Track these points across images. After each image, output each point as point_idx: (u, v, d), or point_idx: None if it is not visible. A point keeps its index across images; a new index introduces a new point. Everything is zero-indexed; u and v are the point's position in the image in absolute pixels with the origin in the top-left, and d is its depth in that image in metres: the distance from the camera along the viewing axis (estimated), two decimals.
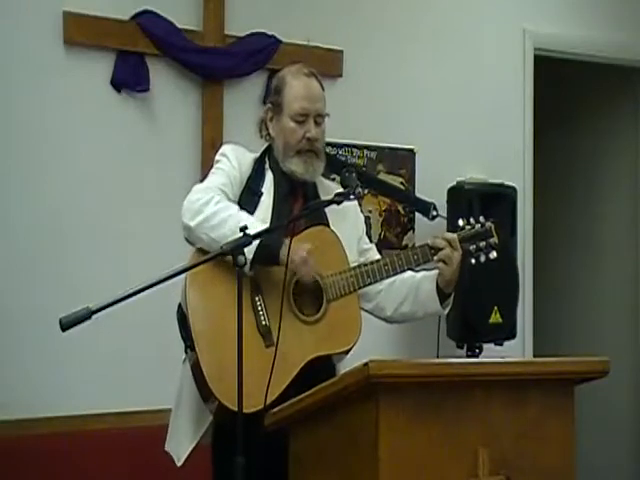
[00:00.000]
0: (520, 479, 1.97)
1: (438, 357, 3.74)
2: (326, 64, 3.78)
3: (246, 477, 1.96)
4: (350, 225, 2.58)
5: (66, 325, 1.91)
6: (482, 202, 3.89)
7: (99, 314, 1.95)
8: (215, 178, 2.47)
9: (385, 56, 4.07)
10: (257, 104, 3.61)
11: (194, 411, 2.43)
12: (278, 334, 2.29)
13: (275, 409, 2.11)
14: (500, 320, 3.91)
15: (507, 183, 4.14)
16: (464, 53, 4.28)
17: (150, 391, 3.23)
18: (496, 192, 4.06)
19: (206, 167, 2.99)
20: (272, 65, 3.61)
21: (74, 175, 3.39)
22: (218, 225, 2.31)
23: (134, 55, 3.47)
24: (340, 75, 3.90)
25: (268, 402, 2.18)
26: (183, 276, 2.23)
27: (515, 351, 4.17)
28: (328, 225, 2.50)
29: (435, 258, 2.46)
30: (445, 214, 3.92)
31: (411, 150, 4.11)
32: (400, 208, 4.09)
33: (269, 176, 2.52)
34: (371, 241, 2.78)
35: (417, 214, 4.05)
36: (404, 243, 4.07)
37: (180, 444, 2.46)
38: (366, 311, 2.57)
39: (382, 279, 2.48)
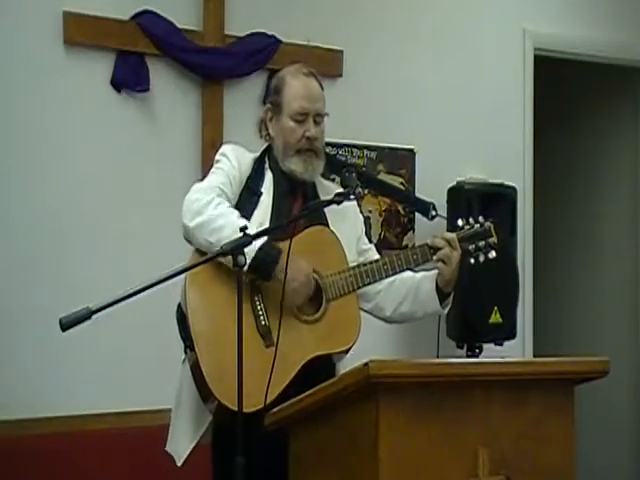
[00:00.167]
0: (520, 479, 1.97)
1: (438, 357, 3.74)
2: (326, 64, 3.78)
3: (246, 477, 1.96)
4: (349, 225, 2.58)
5: (66, 325, 1.91)
6: (482, 202, 3.89)
7: (99, 314, 1.94)
8: (215, 177, 2.47)
9: (385, 56, 4.07)
10: (257, 104, 3.61)
11: (194, 411, 2.43)
12: (278, 334, 2.29)
13: (275, 409, 2.12)
14: (500, 320, 3.91)
15: (507, 183, 4.14)
16: (464, 53, 4.28)
17: (150, 391, 3.23)
18: (496, 192, 4.06)
19: (206, 167, 2.99)
20: (272, 65, 3.61)
21: (74, 175, 3.39)
22: (216, 230, 2.31)
23: (134, 55, 3.47)
24: (340, 75, 3.90)
25: (268, 402, 2.18)
26: (183, 276, 2.23)
27: (515, 351, 4.17)
28: (327, 225, 2.50)
29: (434, 258, 2.47)
30: (445, 214, 3.92)
31: (411, 150, 4.11)
32: (400, 208, 4.09)
33: (269, 176, 2.52)
34: (371, 241, 2.78)
35: (417, 214, 4.05)
36: (404, 243, 4.07)
37: (180, 444, 2.46)
38: (365, 311, 2.57)
39: (381, 279, 2.49)
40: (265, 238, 2.29)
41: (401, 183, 4.09)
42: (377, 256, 2.59)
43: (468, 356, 3.92)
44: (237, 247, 2.07)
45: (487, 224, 2.54)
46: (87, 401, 3.30)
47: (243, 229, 2.10)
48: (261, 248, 2.27)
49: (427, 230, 3.77)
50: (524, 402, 2.01)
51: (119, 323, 3.06)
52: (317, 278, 2.41)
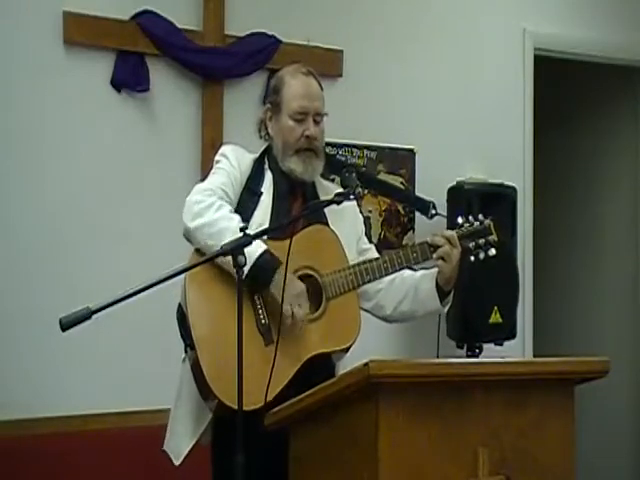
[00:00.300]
0: (520, 479, 1.97)
1: (438, 357, 3.74)
2: (326, 64, 3.78)
3: (246, 477, 1.96)
4: (349, 225, 2.58)
5: (66, 325, 1.91)
6: (482, 202, 3.88)
7: (99, 314, 1.94)
8: (216, 178, 2.48)
9: (385, 56, 4.07)
10: (257, 104, 3.61)
11: (193, 410, 2.43)
12: (278, 332, 2.29)
13: (275, 409, 2.12)
14: (500, 320, 3.91)
15: (507, 183, 4.14)
16: (464, 53, 4.28)
17: (150, 391, 3.22)
18: (496, 192, 4.06)
19: (206, 167, 2.99)
20: (272, 65, 3.61)
21: (74, 175, 3.39)
22: (216, 234, 2.30)
23: (134, 55, 3.47)
24: (340, 75, 3.90)
25: (268, 400, 2.18)
26: (183, 275, 2.23)
27: (515, 351, 4.17)
28: (327, 225, 2.50)
29: (434, 256, 2.47)
30: (445, 214, 3.92)
31: (411, 150, 4.11)
32: (400, 208, 4.09)
33: (268, 176, 2.52)
34: (371, 241, 2.78)
35: (417, 214, 4.05)
36: (404, 243, 4.07)
37: (179, 443, 2.46)
38: (366, 310, 2.57)
39: (381, 277, 2.49)
40: (264, 247, 2.29)
41: (401, 183, 4.09)
42: (377, 255, 2.59)
43: (468, 356, 3.92)
44: (237, 247, 2.07)
45: (487, 222, 2.54)
46: (87, 401, 3.30)
47: (243, 229, 2.10)
48: (258, 259, 2.26)
49: (427, 229, 3.77)
50: (524, 402, 2.01)
51: (119, 323, 3.06)
52: (317, 277, 2.41)
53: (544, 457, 2.02)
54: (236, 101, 3.66)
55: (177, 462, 2.45)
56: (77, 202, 3.39)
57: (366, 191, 3.95)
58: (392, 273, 2.50)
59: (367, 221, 3.88)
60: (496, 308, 3.89)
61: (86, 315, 1.92)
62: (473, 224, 2.53)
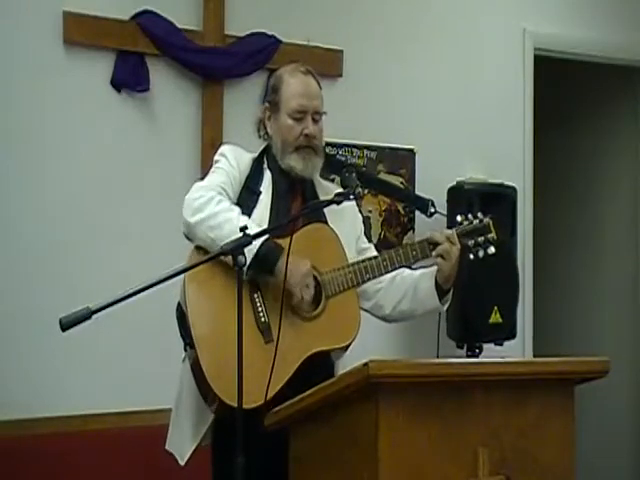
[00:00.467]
0: (520, 479, 1.97)
1: (438, 357, 3.74)
2: (326, 64, 3.78)
3: (246, 477, 1.96)
4: (348, 224, 2.58)
5: (66, 325, 1.91)
6: (482, 202, 3.88)
7: (99, 314, 1.95)
8: (215, 177, 2.48)
9: (385, 56, 4.07)
10: (257, 104, 3.60)
11: (195, 410, 2.43)
12: (279, 331, 2.29)
13: (275, 409, 2.12)
14: (500, 320, 3.91)
15: (507, 183, 4.14)
16: (464, 53, 4.28)
17: (150, 391, 3.22)
18: (496, 192, 4.06)
19: (206, 167, 2.99)
20: (272, 65, 3.60)
21: (74, 175, 3.39)
22: (217, 226, 2.31)
23: (134, 55, 3.47)
24: (340, 75, 3.90)
25: (268, 398, 2.18)
26: (182, 275, 2.23)
27: (515, 351, 4.17)
28: (327, 224, 2.51)
29: (433, 253, 2.47)
30: (445, 212, 3.92)
31: (411, 150, 4.11)
32: (400, 208, 4.09)
33: (267, 175, 2.53)
34: (370, 241, 2.78)
35: (417, 214, 4.05)
36: (404, 243, 4.07)
37: (182, 444, 2.45)
38: (365, 310, 2.57)
39: (381, 275, 2.49)
40: (265, 236, 2.30)
41: (401, 183, 4.09)
42: (376, 254, 2.59)
43: (468, 356, 3.92)
44: (237, 247, 2.07)
45: (486, 220, 2.55)
46: (87, 401, 3.30)
47: (243, 229, 2.11)
48: (262, 244, 2.27)
49: (427, 229, 3.75)
50: (524, 402, 2.01)
51: (119, 323, 3.06)
52: (316, 275, 2.41)
53: (544, 457, 2.02)
54: (236, 101, 3.66)
55: (182, 462, 2.45)
56: (77, 202, 3.39)
57: (366, 191, 3.96)
58: (392, 271, 2.50)
59: (367, 221, 3.88)
60: (496, 308, 3.89)
61: (86, 315, 1.92)
62: (472, 222, 2.54)
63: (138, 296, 1.97)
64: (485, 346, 3.94)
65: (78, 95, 3.41)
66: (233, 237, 2.14)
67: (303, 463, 2.12)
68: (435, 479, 1.89)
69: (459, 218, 2.55)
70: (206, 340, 2.29)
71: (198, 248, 2.39)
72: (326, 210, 2.49)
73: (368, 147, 4.00)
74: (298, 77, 2.51)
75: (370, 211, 3.98)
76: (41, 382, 3.27)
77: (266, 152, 2.57)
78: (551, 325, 5.23)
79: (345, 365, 2.38)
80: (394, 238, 4.07)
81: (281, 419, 2.10)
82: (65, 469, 3.18)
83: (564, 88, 5.40)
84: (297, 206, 2.52)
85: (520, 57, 4.47)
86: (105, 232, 3.43)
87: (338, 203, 2.34)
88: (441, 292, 2.51)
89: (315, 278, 2.40)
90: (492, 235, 2.53)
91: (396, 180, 4.08)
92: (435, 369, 1.96)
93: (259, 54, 3.67)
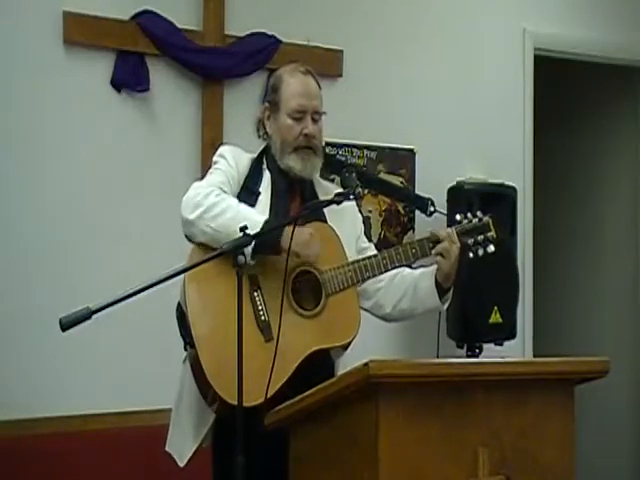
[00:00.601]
0: (520, 479, 1.97)
1: (438, 357, 3.74)
2: (326, 64, 3.78)
3: (246, 476, 1.96)
4: (348, 224, 2.58)
5: (66, 325, 1.91)
6: (482, 202, 3.87)
7: (99, 314, 1.95)
8: (214, 177, 2.48)
9: (385, 56, 4.07)
10: (257, 104, 3.60)
11: (196, 411, 2.43)
12: (279, 329, 2.29)
13: (275, 409, 2.12)
14: (500, 320, 3.91)
15: (507, 183, 4.14)
16: (464, 53, 4.28)
17: (150, 391, 3.22)
18: (496, 192, 4.06)
19: (206, 167, 2.98)
20: (272, 65, 3.60)
21: (74, 175, 3.39)
22: (219, 214, 2.32)
23: (134, 55, 3.47)
24: (340, 75, 3.90)
25: (268, 397, 2.18)
26: (182, 275, 2.23)
27: (515, 351, 4.17)
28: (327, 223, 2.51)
29: (433, 252, 2.47)
30: (445, 211, 3.92)
31: (411, 150, 4.11)
32: (400, 208, 4.09)
33: (266, 175, 2.53)
34: (370, 241, 2.78)
35: (417, 214, 4.05)
36: (404, 242, 4.06)
37: (183, 445, 2.45)
38: (365, 310, 2.57)
39: (381, 273, 2.49)
40: (266, 216, 2.33)
41: (401, 183, 4.09)
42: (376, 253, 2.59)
43: (468, 356, 3.92)
44: (237, 247, 2.07)
45: (485, 219, 2.55)
46: (87, 401, 3.30)
47: (243, 229, 2.11)
48: (264, 226, 2.28)
49: (427, 229, 3.75)
50: (524, 402, 2.01)
51: (119, 323, 3.06)
52: (316, 273, 2.41)
53: (544, 457, 2.02)
54: (236, 101, 3.66)
55: (181, 464, 2.45)
56: (77, 202, 3.39)
57: (366, 191, 3.96)
58: (392, 269, 2.50)
59: (367, 221, 3.88)
60: (496, 308, 3.89)
61: (86, 315, 1.92)
62: (472, 221, 2.54)
63: (138, 296, 1.97)
64: (485, 346, 3.94)
65: (78, 95, 3.41)
66: (235, 224, 2.14)
67: (303, 463, 2.12)
68: (435, 479, 1.89)
69: (458, 217, 2.55)
70: (206, 339, 2.30)
71: (198, 247, 2.39)
72: (326, 210, 2.49)
73: (368, 147, 4.00)
74: (298, 77, 2.51)
75: (370, 211, 3.98)
76: (41, 382, 3.27)
77: (265, 152, 2.58)
78: (551, 325, 5.23)
79: (345, 365, 2.37)
80: (394, 238, 4.07)
81: (281, 419, 2.10)
82: (65, 469, 3.18)
83: (564, 88, 5.40)
84: (296, 206, 2.52)
85: (520, 57, 4.47)
86: (105, 232, 3.43)
87: (338, 203, 2.35)
88: (441, 291, 2.51)
89: (315, 276, 2.41)
90: (492, 234, 2.53)
91: (396, 180, 4.08)
92: (435, 369, 1.96)
93: (259, 54, 3.67)
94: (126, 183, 3.49)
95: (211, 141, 3.54)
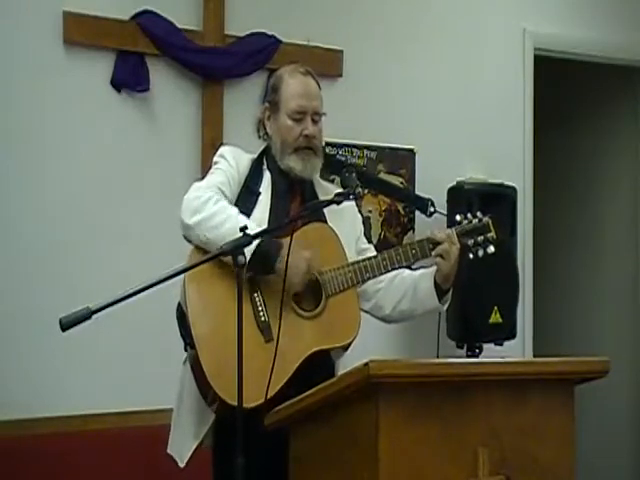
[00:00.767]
0: (520, 479, 1.97)
1: (438, 357, 3.75)
2: (326, 64, 3.78)
3: (246, 477, 1.96)
4: (348, 225, 2.58)
5: (66, 325, 1.91)
6: (482, 202, 3.87)
7: (99, 314, 1.94)
8: (214, 177, 2.48)
9: (385, 56, 4.07)
10: (257, 104, 3.60)
11: (195, 412, 2.43)
12: (279, 329, 2.29)
13: (275, 409, 2.12)
14: (500, 320, 3.91)
15: (507, 183, 4.14)
16: (464, 53, 4.28)
17: (150, 391, 3.23)
18: (496, 192, 4.06)
19: (206, 167, 2.99)
20: (272, 65, 3.60)
21: (74, 175, 3.39)
22: (216, 226, 2.32)
23: (134, 55, 3.47)
24: (340, 75, 3.90)
25: (268, 397, 2.18)
26: (182, 275, 2.23)
27: (515, 351, 4.17)
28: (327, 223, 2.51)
29: (433, 253, 2.47)
30: (445, 212, 3.92)
31: (411, 150, 4.11)
32: (400, 208, 4.09)
33: (267, 176, 2.53)
34: (370, 241, 2.78)
35: (417, 214, 4.05)
36: (404, 243, 4.07)
37: (182, 445, 2.45)
38: (365, 311, 2.57)
39: (381, 274, 2.49)
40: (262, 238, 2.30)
41: (401, 183, 4.09)
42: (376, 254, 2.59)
43: (468, 356, 3.92)
44: (237, 247, 2.07)
45: (485, 219, 2.55)
46: (87, 401, 3.30)
47: (243, 229, 2.11)
48: (260, 243, 2.27)
49: (427, 229, 3.71)
50: (524, 402, 2.01)
51: (119, 323, 3.06)
52: (316, 274, 2.41)
53: (544, 457, 2.02)
54: (236, 101, 3.66)
55: (182, 464, 2.45)
56: (77, 202, 3.39)
57: (366, 191, 3.96)
58: (392, 270, 2.50)
59: (367, 221, 3.89)
60: (496, 308, 3.89)
61: (86, 315, 1.92)
62: (472, 221, 2.54)
63: (138, 296, 1.97)
64: (485, 346, 3.94)
65: (78, 95, 3.41)
66: (232, 237, 2.13)
67: (303, 463, 2.11)
68: (435, 479, 1.89)
69: (458, 218, 2.54)
70: (206, 339, 2.30)
71: (198, 248, 2.39)
72: (326, 210, 2.49)
73: (368, 147, 4.00)
74: (298, 78, 2.51)
75: (370, 211, 3.98)
76: (41, 382, 3.27)
77: (265, 153, 2.58)
78: (551, 325, 5.23)
79: (345, 365, 2.37)
80: (394, 238, 4.07)
81: (281, 419, 2.10)
82: (65, 469, 3.18)
83: (564, 88, 5.40)
84: (296, 206, 2.52)
85: (520, 57, 4.47)
86: (105, 232, 3.43)
87: (338, 203, 2.34)
88: (440, 292, 2.51)
89: (315, 277, 2.40)
90: (492, 234, 2.53)
91: (396, 180, 4.08)
92: (435, 369, 1.96)
93: (259, 54, 3.67)
94: (126, 183, 3.49)
95: (211, 141, 3.54)
